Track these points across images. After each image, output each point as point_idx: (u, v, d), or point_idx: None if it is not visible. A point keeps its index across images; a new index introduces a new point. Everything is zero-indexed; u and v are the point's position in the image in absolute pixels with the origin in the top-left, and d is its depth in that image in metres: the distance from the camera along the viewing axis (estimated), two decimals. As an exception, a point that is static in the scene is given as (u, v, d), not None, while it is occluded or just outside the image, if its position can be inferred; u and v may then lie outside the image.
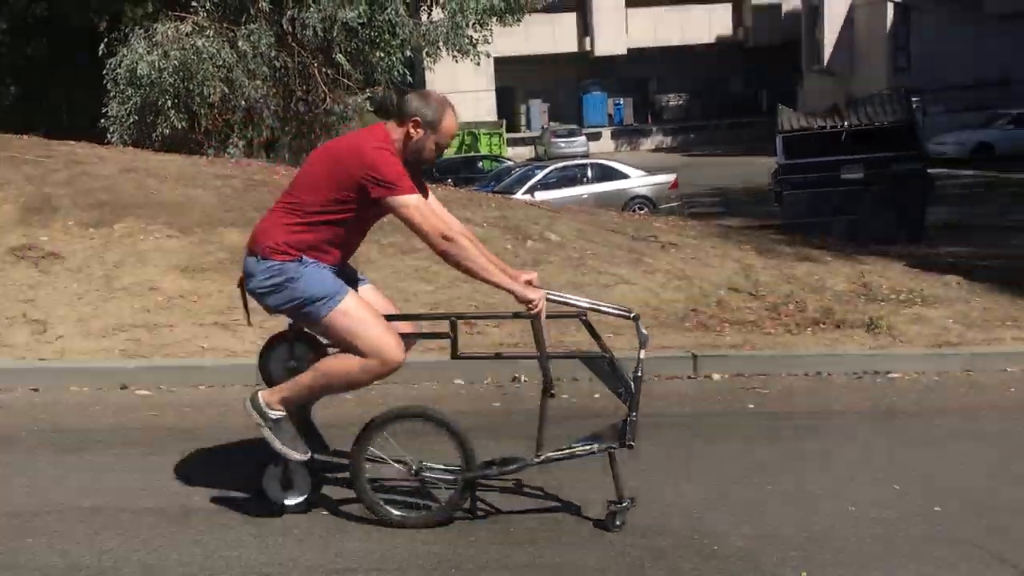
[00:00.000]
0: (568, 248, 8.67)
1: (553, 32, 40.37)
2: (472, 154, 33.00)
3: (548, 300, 3.72)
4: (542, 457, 3.83)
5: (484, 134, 37.10)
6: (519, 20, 18.06)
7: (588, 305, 3.91)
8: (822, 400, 6.07)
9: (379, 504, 3.85)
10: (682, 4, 42.38)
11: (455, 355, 3.87)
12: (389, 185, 3.55)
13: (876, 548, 3.79)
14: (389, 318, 3.79)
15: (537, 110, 42.53)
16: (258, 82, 15.32)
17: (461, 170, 26.76)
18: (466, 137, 35.94)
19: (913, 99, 25.55)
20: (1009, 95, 30.60)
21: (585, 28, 42.15)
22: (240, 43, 15.04)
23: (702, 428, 5.40)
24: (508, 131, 39.88)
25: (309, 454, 3.81)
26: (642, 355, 3.79)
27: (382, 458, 3.84)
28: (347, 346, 3.66)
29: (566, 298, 3.94)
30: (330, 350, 3.82)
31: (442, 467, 3.88)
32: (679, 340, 6.83)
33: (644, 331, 3.83)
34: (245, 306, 3.92)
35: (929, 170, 14.41)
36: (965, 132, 26.97)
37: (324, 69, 15.87)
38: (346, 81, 16.16)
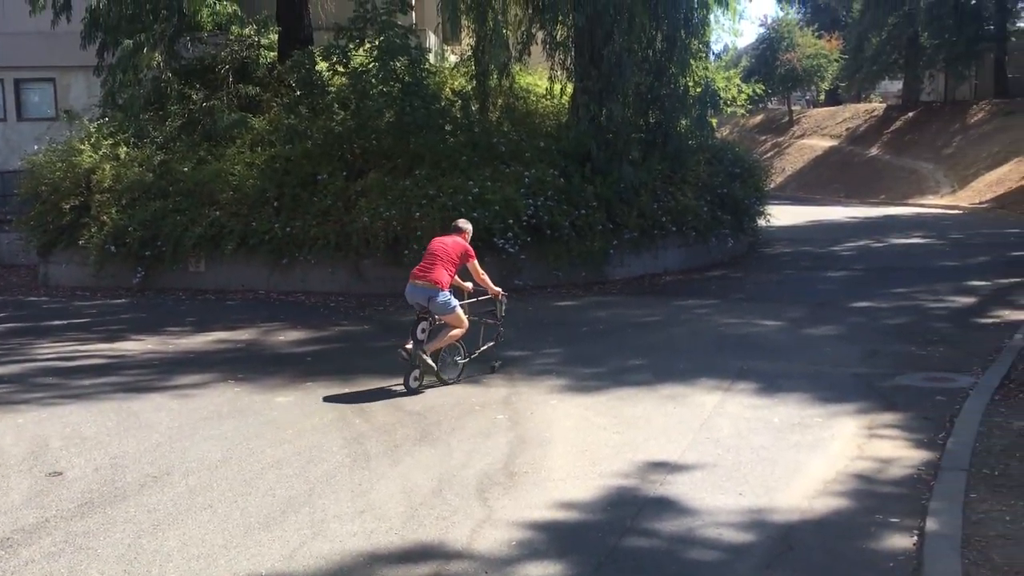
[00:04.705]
0: None
1: None
2: None
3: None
4: (482, 349, 9.55)
5: None
6: None
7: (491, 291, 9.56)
8: None
9: (443, 378, 9.03)
10: None
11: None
12: (473, 256, 9.13)
13: None
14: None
15: None
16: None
17: None
18: None
19: None
20: None
21: None
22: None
23: None
24: None
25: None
26: (504, 310, 9.70)
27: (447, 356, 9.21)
28: (456, 323, 8.93)
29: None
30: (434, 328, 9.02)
31: (463, 354, 9.29)
32: None
33: (505, 300, 9.69)
34: (427, 312, 8.83)
35: None
36: None
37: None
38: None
